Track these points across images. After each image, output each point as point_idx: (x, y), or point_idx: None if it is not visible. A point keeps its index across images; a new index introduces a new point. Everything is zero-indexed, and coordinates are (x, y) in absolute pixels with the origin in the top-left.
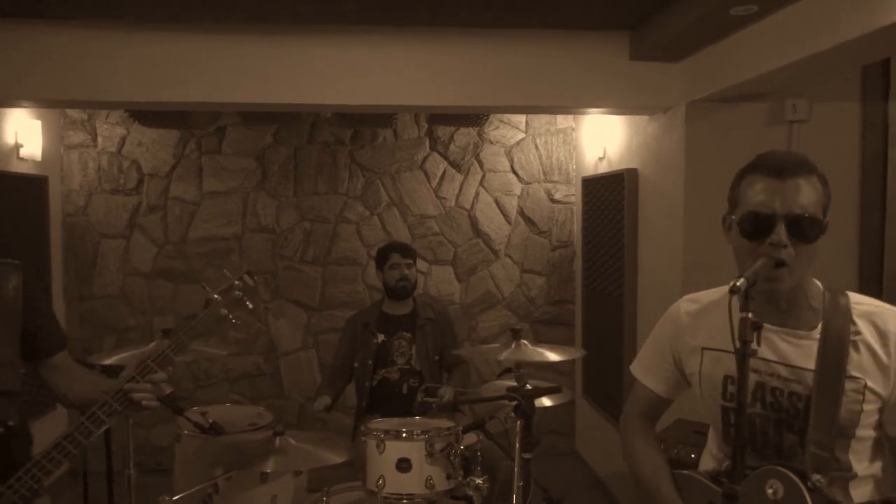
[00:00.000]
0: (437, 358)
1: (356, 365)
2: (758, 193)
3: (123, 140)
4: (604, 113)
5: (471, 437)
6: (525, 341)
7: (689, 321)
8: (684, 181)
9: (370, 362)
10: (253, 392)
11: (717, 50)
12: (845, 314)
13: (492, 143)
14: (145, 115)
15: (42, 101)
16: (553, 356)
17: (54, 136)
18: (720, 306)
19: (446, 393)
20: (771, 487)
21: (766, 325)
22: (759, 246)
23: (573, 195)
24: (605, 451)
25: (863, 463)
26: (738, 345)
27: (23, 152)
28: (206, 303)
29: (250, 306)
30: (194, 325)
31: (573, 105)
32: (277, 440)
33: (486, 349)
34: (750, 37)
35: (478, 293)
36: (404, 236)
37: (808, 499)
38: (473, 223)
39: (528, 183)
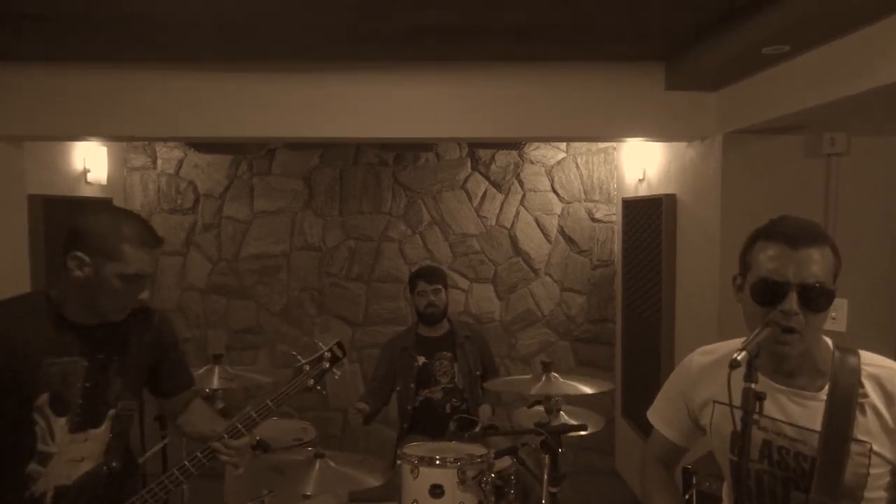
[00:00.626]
0: (478, 373)
1: (398, 388)
2: (771, 260)
3: (181, 163)
4: (641, 141)
5: (505, 461)
6: (555, 374)
7: (701, 373)
8: (721, 209)
9: (412, 385)
10: (299, 402)
11: (753, 83)
12: (853, 375)
13: (532, 163)
14: (200, 143)
15: (110, 136)
16: (584, 389)
17: (118, 160)
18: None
19: (480, 422)
20: None
21: (773, 385)
22: (770, 311)
23: (614, 214)
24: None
25: None
26: (738, 422)
27: (90, 177)
28: (295, 371)
29: (337, 377)
30: (282, 394)
31: (610, 135)
32: (318, 462)
33: (516, 382)
34: (785, 73)
35: (517, 311)
36: (445, 255)
37: None
38: (514, 242)
39: (568, 202)
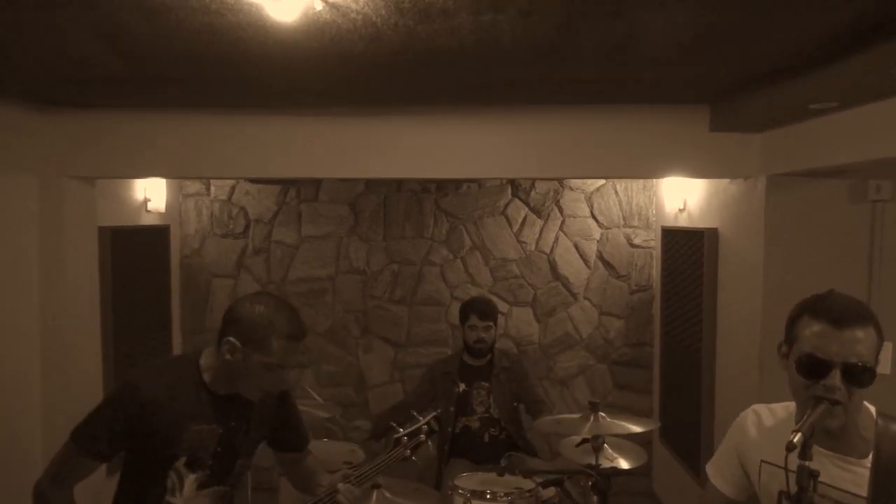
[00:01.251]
0: (515, 404)
1: (439, 410)
2: (816, 337)
3: (233, 189)
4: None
5: (550, 490)
6: (602, 413)
7: (754, 433)
8: (764, 248)
9: (452, 409)
10: (344, 420)
11: (799, 130)
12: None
13: (572, 189)
14: None
15: (171, 175)
16: (631, 428)
17: (174, 188)
18: (784, 424)
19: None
20: None
21: (818, 449)
22: (814, 385)
23: (653, 240)
24: (681, 495)
25: None
26: (793, 488)
27: (150, 206)
28: (395, 442)
29: (431, 449)
30: (380, 464)
31: (654, 173)
32: (375, 493)
33: (566, 422)
34: (831, 125)
35: (556, 334)
36: (486, 279)
37: None
38: (552, 266)
39: (607, 228)
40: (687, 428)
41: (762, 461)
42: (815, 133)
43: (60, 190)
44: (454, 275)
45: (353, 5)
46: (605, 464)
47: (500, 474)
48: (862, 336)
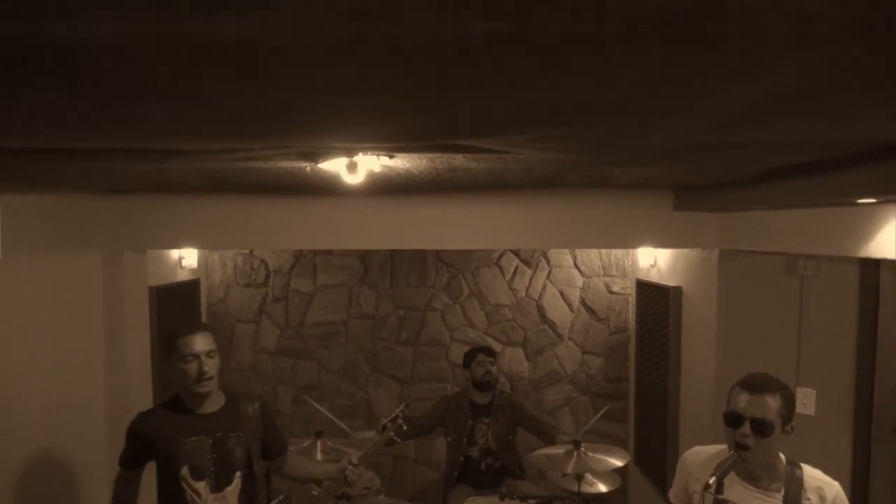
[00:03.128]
0: (511, 437)
1: (450, 439)
2: (737, 399)
3: None
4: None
5: None
6: (584, 448)
7: (692, 471)
8: (717, 307)
9: (465, 440)
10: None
11: (746, 217)
12: (799, 483)
13: None
14: None
15: (208, 247)
16: (608, 462)
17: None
18: (715, 461)
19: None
20: None
21: (745, 486)
22: (733, 432)
23: (629, 287)
24: None
25: None
26: None
27: (184, 262)
28: (382, 428)
29: (405, 429)
30: (374, 444)
31: (627, 244)
32: None
33: (555, 458)
34: (773, 217)
35: (544, 371)
36: (482, 322)
37: None
38: (541, 311)
39: (588, 277)
40: (656, 454)
41: (697, 492)
42: (759, 221)
43: (120, 260)
44: (454, 319)
45: (401, 165)
46: (587, 489)
47: (501, 498)
48: (769, 401)
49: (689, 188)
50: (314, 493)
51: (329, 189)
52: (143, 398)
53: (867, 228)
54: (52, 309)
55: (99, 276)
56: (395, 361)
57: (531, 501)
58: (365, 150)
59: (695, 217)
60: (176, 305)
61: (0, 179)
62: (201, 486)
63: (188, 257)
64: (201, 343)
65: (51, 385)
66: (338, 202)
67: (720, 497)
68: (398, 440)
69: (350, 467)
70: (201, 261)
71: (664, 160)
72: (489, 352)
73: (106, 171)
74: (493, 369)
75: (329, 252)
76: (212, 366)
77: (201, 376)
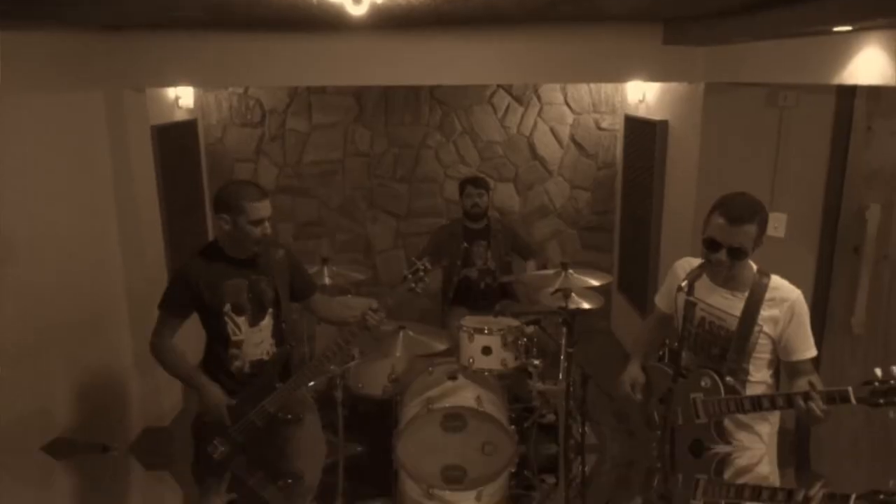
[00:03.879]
0: (508, 259)
1: (445, 264)
2: (716, 228)
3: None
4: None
5: (531, 327)
6: (571, 270)
7: (680, 274)
8: (700, 138)
9: (458, 262)
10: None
11: (732, 49)
12: (763, 288)
13: None
14: None
15: (206, 84)
16: (592, 282)
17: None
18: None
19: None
20: (703, 380)
21: (714, 286)
22: (710, 254)
23: (617, 124)
24: (632, 330)
25: (759, 373)
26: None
27: (181, 102)
28: (403, 279)
29: (426, 281)
30: (394, 293)
31: (617, 78)
32: (401, 332)
33: (544, 277)
34: (757, 49)
35: (534, 205)
36: (474, 159)
37: (722, 389)
38: (532, 148)
39: (578, 114)
40: (639, 278)
41: (679, 289)
42: (743, 53)
43: (121, 99)
44: (447, 156)
45: None
46: (572, 306)
47: (495, 316)
48: (746, 229)
49: (678, 20)
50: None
51: (332, 23)
52: (154, 235)
53: (843, 56)
54: (60, 149)
55: (102, 115)
56: (391, 197)
57: (521, 319)
58: None
59: (683, 51)
60: (176, 145)
61: (5, 12)
62: (241, 320)
63: (184, 97)
64: (267, 209)
65: (66, 225)
66: (336, 38)
67: (690, 297)
68: (419, 290)
69: (370, 312)
70: (196, 101)
71: None
72: (477, 184)
73: (115, 3)
74: (481, 200)
75: (323, 91)
76: (269, 228)
77: (263, 238)
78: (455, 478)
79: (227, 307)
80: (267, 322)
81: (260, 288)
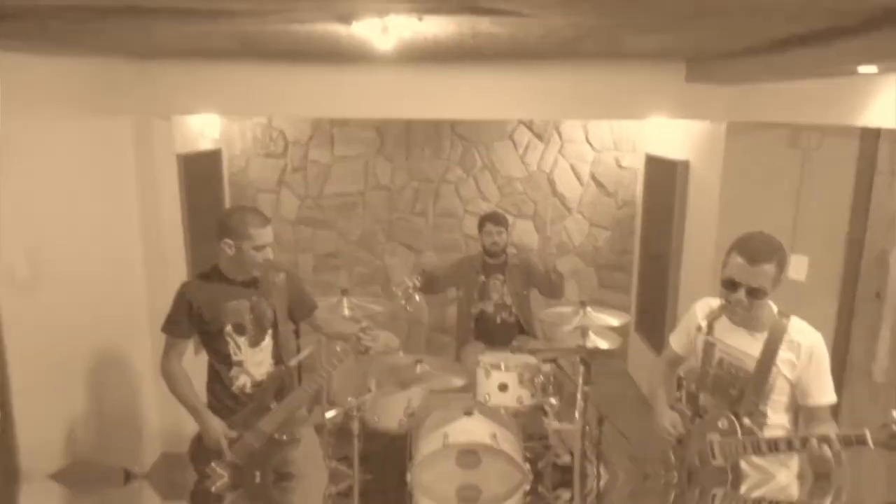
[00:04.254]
0: (525, 293)
1: (461, 294)
2: (735, 267)
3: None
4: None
5: (548, 365)
6: (589, 308)
7: (699, 315)
8: (721, 178)
9: (475, 295)
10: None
11: (756, 90)
12: (782, 330)
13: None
14: None
15: (230, 113)
16: (611, 321)
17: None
18: (716, 312)
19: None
20: (720, 421)
21: (733, 327)
22: (729, 295)
23: (638, 162)
24: (648, 372)
25: (777, 416)
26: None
27: (206, 132)
28: (392, 297)
29: (417, 300)
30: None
31: (636, 116)
32: (418, 366)
33: (563, 314)
34: (781, 91)
35: (553, 243)
36: (494, 195)
37: (739, 431)
38: (552, 185)
39: (599, 151)
40: (657, 319)
41: (697, 327)
42: (766, 93)
43: (149, 126)
44: (467, 191)
45: (429, 30)
46: (590, 345)
47: (513, 352)
48: (765, 269)
49: (700, 59)
50: (338, 349)
51: (358, 56)
52: (178, 262)
53: (868, 98)
54: (87, 175)
55: (129, 142)
56: (410, 231)
57: (539, 356)
58: (397, 10)
59: (706, 89)
60: (200, 174)
61: (39, 38)
62: (242, 340)
63: (210, 126)
64: (270, 235)
65: (91, 252)
66: (361, 71)
67: (709, 338)
68: (409, 309)
69: (361, 334)
70: (221, 131)
71: (680, 23)
72: (497, 221)
73: (149, 33)
74: (500, 238)
75: (346, 123)
76: (270, 253)
77: (265, 263)
78: (470, 497)
79: (229, 327)
80: (267, 343)
81: (261, 309)
